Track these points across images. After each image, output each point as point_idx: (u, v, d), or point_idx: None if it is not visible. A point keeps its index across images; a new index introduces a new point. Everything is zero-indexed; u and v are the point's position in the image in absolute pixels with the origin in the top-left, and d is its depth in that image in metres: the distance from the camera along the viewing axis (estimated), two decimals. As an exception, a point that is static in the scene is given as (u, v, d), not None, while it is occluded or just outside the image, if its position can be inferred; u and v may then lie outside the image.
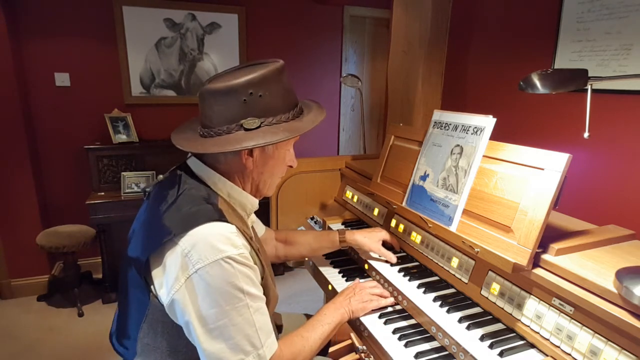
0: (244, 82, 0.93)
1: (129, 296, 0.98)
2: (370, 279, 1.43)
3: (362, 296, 1.24)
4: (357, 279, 1.41)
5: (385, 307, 1.25)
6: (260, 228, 1.38)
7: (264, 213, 1.88)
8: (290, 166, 1.11)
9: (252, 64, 1.02)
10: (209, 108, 0.96)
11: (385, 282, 1.32)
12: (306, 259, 1.64)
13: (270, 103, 0.96)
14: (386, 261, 1.39)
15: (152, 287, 0.91)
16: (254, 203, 1.08)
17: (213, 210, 0.91)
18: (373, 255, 1.43)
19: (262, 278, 0.98)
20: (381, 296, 1.27)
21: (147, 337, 0.95)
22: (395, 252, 1.41)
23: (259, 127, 0.95)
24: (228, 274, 0.86)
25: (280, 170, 1.09)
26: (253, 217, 1.24)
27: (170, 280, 0.87)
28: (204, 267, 0.85)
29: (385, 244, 1.43)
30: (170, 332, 0.93)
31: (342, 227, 1.77)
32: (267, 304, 0.98)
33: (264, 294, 0.96)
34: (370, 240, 1.41)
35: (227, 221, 0.90)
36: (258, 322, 0.90)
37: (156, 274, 0.90)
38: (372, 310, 1.23)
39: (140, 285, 0.92)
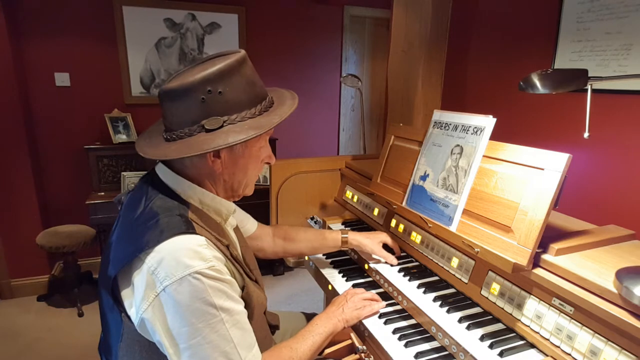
0: (199, 79, 0.86)
1: (106, 316, 0.95)
2: (370, 278, 1.43)
3: (355, 303, 1.21)
4: (350, 286, 1.39)
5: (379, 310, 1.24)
6: (250, 225, 1.34)
7: (263, 213, 1.89)
8: (268, 163, 1.04)
9: (213, 57, 0.95)
10: (168, 110, 0.91)
11: (385, 282, 1.32)
12: (306, 258, 1.64)
13: (232, 99, 0.89)
14: (386, 262, 1.39)
15: (123, 307, 0.88)
16: (229, 207, 1.02)
17: (180, 222, 0.85)
18: (374, 256, 1.43)
19: (243, 287, 0.94)
20: (372, 300, 1.25)
21: (127, 355, 0.92)
22: (396, 257, 1.40)
23: (221, 126, 0.88)
24: (197, 290, 0.80)
25: (255, 167, 1.01)
26: (237, 216, 1.18)
27: (137, 300, 0.83)
28: (171, 285, 0.79)
29: (386, 248, 1.43)
30: (148, 351, 0.89)
31: (342, 227, 1.77)
32: (252, 312, 0.94)
33: (247, 303, 0.92)
34: (371, 241, 1.41)
35: (195, 233, 0.85)
36: (236, 337, 0.84)
37: (125, 294, 0.87)
38: (366, 316, 1.21)
39: (113, 306, 0.88)
